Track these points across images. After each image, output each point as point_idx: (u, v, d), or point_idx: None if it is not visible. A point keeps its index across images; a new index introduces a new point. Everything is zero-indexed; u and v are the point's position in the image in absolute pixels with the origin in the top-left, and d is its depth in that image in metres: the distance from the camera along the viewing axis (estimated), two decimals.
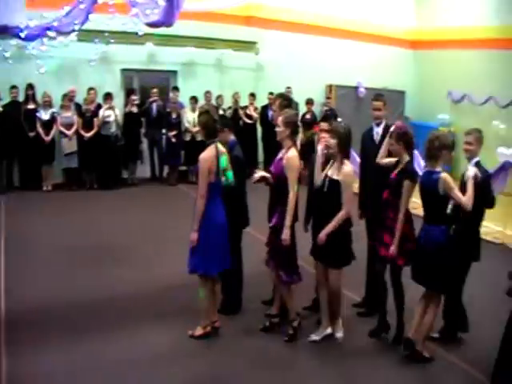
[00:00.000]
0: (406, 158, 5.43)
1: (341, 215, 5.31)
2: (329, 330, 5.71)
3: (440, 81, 16.19)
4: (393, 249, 5.37)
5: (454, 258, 5.20)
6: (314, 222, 5.75)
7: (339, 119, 5.98)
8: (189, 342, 5.58)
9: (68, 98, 12.10)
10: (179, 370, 5.11)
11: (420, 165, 11.42)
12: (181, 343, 5.58)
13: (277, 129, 5.57)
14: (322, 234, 5.37)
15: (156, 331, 5.78)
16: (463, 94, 15.37)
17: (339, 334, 5.69)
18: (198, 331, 5.65)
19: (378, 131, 6.29)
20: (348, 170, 5.33)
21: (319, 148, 5.87)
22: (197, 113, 12.36)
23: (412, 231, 5.48)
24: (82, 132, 12.14)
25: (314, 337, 5.72)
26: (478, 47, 15.09)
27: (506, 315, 5.16)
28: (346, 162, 5.37)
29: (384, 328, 5.82)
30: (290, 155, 5.46)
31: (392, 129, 5.63)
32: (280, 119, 5.56)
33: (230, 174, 5.55)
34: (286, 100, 6.33)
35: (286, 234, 5.39)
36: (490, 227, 9.39)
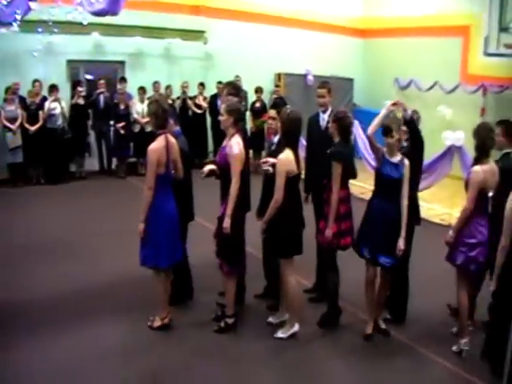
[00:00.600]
0: (337, 140, 5.56)
1: (271, 203, 5.28)
2: (286, 316, 5.70)
3: (387, 68, 16.47)
4: (328, 231, 5.48)
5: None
6: (265, 210, 5.72)
7: (288, 106, 5.97)
8: (140, 336, 5.54)
9: (11, 90, 11.70)
10: (131, 364, 5.06)
11: (369, 150, 11.64)
12: (132, 337, 5.53)
13: (220, 117, 5.54)
14: (262, 223, 5.42)
15: (107, 326, 5.71)
16: (409, 81, 15.66)
17: (295, 328, 5.62)
18: (157, 322, 5.63)
19: (324, 117, 6.34)
20: (282, 157, 5.27)
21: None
22: (146, 104, 12.41)
23: (349, 211, 5.62)
24: (27, 126, 11.79)
25: (271, 319, 5.77)
26: (423, 35, 15.43)
27: (449, 294, 5.33)
28: (286, 149, 5.31)
29: (337, 313, 5.90)
30: (232, 142, 5.39)
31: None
32: (223, 107, 5.53)
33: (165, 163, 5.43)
34: (234, 88, 6.30)
35: (226, 223, 5.31)
36: (437, 209, 9.61)
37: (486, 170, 5.13)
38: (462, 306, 5.34)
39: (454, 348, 5.38)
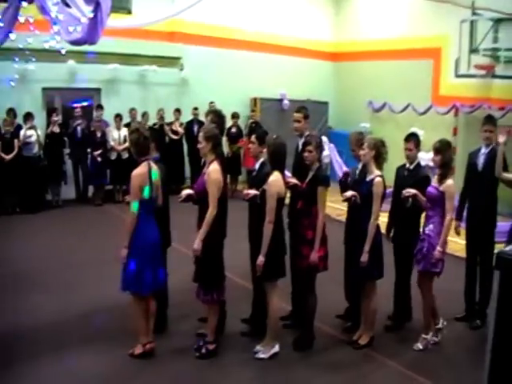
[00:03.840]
0: (317, 165, 5.68)
1: (265, 226, 5.30)
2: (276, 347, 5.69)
3: (360, 91, 16.72)
4: (314, 255, 5.56)
5: None
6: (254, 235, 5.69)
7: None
8: (121, 364, 5.47)
9: None
10: None
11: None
12: (113, 366, 5.45)
13: (198, 145, 5.57)
14: (260, 258, 5.35)
15: (86, 356, 5.60)
16: (383, 103, 15.91)
17: (276, 349, 5.66)
18: (138, 349, 5.55)
19: (300, 143, 6.39)
20: (272, 180, 5.36)
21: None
22: (122, 131, 12.44)
23: (326, 236, 5.74)
24: (2, 154, 11.67)
25: (258, 347, 5.69)
26: (395, 58, 15.74)
27: None
28: (274, 172, 5.42)
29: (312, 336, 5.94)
30: (211, 169, 5.44)
31: (307, 138, 5.88)
32: (200, 134, 5.57)
33: (147, 189, 5.42)
34: (217, 116, 6.34)
35: (197, 245, 5.36)
36: None
37: None
38: (432, 304, 5.84)
39: (419, 346, 5.85)
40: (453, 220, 5.82)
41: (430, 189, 5.74)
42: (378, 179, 5.54)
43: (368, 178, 5.64)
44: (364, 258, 5.52)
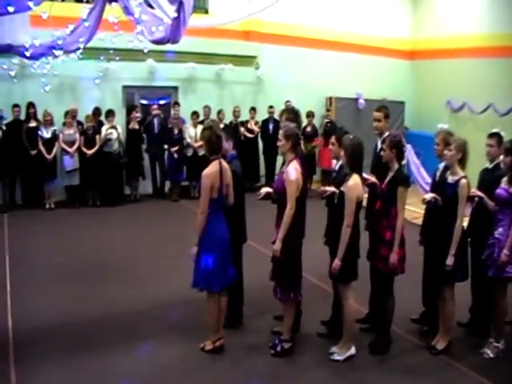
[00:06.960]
0: (396, 165, 5.58)
1: (343, 230, 5.27)
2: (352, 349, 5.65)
3: (438, 90, 16.29)
4: (394, 257, 5.45)
5: None
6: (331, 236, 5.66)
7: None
8: (193, 358, 5.57)
9: (70, 115, 12.13)
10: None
11: (422, 175, 11.53)
12: (185, 359, 5.57)
13: (278, 143, 5.57)
14: (336, 262, 5.33)
15: (160, 347, 5.77)
16: (462, 103, 15.44)
17: (351, 351, 5.62)
18: (208, 345, 5.63)
19: (378, 142, 6.29)
20: (351, 184, 5.30)
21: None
22: (198, 128, 12.61)
23: (404, 238, 5.61)
24: (84, 149, 12.16)
25: (334, 349, 5.65)
26: (475, 56, 15.21)
27: None
28: (353, 175, 5.35)
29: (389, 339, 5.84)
30: (290, 168, 5.43)
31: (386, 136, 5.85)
32: (280, 132, 5.56)
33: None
34: (292, 113, 6.30)
35: (277, 246, 5.37)
36: None
37: None
38: (505, 311, 5.67)
39: (490, 354, 5.63)
40: None
41: (499, 190, 5.51)
42: (464, 181, 5.40)
43: (451, 180, 5.50)
44: (450, 260, 5.39)
